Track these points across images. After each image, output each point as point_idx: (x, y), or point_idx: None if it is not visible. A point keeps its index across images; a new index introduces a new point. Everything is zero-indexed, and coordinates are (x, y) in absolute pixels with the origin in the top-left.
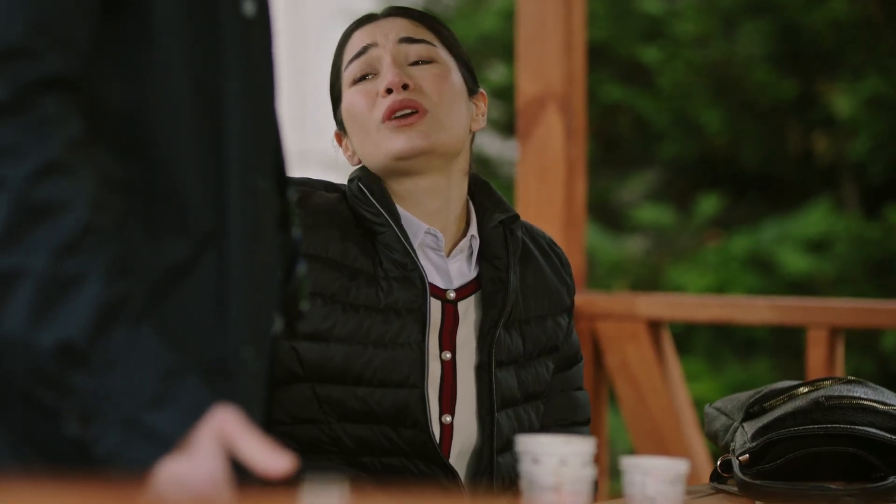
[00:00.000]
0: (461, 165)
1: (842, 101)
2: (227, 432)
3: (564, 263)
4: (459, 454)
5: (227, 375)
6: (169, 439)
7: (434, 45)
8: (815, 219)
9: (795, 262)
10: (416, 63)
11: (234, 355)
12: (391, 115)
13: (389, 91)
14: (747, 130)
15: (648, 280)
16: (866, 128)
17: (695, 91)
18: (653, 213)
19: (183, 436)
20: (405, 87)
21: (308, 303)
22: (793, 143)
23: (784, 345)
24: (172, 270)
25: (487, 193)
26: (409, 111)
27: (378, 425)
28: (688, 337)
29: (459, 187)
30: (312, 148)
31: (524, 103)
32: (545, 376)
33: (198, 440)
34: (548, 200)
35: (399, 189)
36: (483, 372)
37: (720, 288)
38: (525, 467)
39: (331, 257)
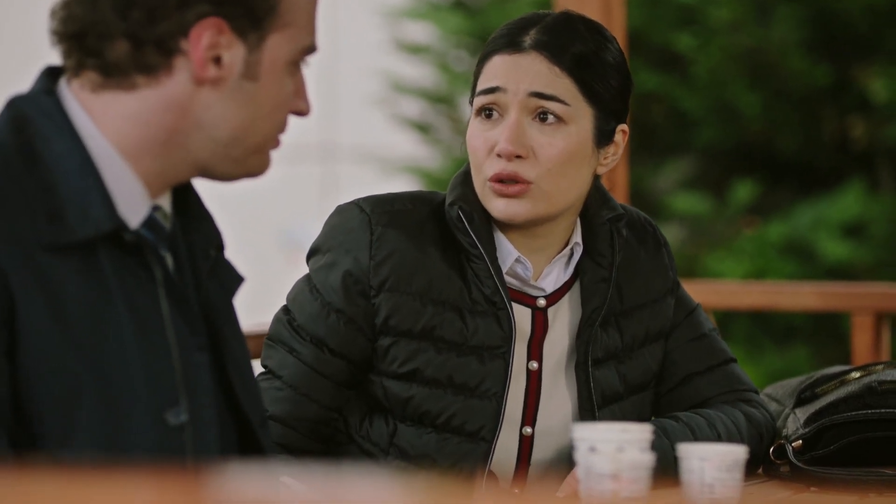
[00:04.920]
0: (574, 209)
1: (877, 86)
2: None
3: (662, 242)
4: (554, 460)
5: None
6: None
7: (566, 104)
8: (849, 201)
9: (833, 248)
10: (542, 117)
11: None
12: (497, 179)
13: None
14: (783, 116)
15: (685, 268)
16: None
17: (730, 78)
18: (688, 202)
19: None
20: (518, 156)
21: None
22: (828, 129)
23: (823, 331)
24: None
25: (594, 188)
26: (513, 182)
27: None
28: (726, 325)
29: (567, 222)
30: (344, 142)
31: None
32: (651, 365)
33: None
34: None
35: (500, 221)
36: (581, 371)
37: (758, 275)
38: (582, 455)
39: (415, 291)
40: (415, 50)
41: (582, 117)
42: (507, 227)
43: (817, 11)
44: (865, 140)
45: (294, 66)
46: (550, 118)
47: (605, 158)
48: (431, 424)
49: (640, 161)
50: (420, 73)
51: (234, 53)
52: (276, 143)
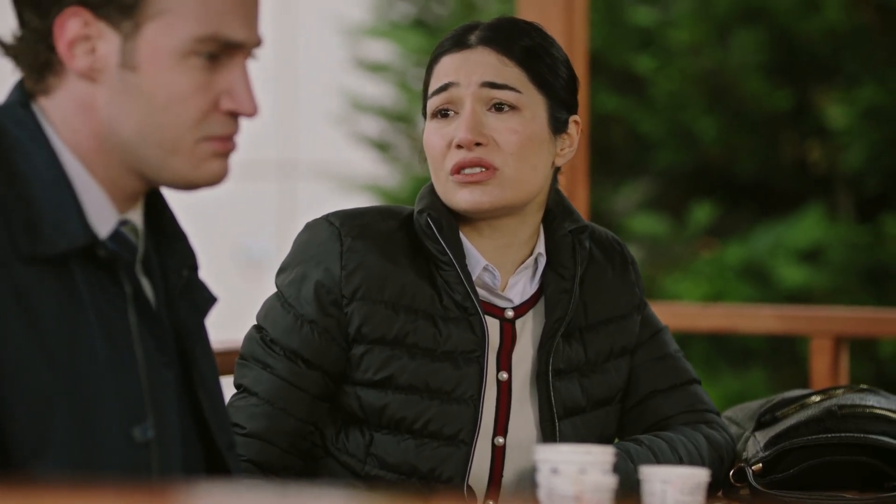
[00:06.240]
0: (537, 202)
1: (836, 111)
2: None
3: (630, 261)
4: (523, 473)
5: None
6: None
7: (518, 92)
8: (807, 226)
9: (790, 273)
10: (497, 107)
11: None
12: (459, 170)
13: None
14: (741, 139)
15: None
16: (861, 138)
17: (689, 100)
18: (647, 223)
19: None
20: (478, 144)
21: None
22: (787, 153)
23: (780, 355)
24: None
25: (557, 201)
26: (477, 169)
27: (410, 479)
28: (683, 347)
29: (532, 220)
30: (303, 157)
31: None
32: (616, 381)
33: None
34: None
35: (466, 222)
36: (542, 381)
37: (715, 297)
38: (544, 477)
39: (387, 299)
40: (375, 68)
41: (535, 105)
42: (474, 232)
43: (777, 35)
44: (824, 164)
45: (190, 56)
46: (506, 108)
47: (561, 150)
48: (408, 430)
49: (599, 182)
50: (380, 91)
51: (108, 43)
52: (190, 141)
